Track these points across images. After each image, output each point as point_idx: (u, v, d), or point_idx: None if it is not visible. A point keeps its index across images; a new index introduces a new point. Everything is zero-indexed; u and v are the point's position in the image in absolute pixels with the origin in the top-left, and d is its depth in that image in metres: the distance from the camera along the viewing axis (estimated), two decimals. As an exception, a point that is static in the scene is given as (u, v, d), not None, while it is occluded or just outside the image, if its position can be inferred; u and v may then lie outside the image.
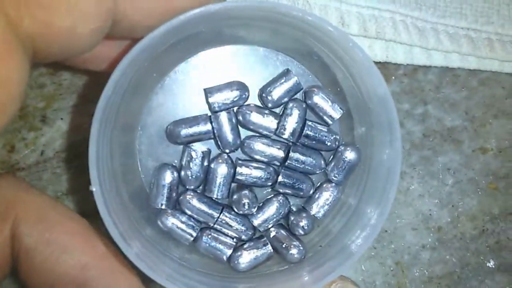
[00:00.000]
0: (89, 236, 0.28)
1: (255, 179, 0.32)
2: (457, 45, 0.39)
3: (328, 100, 0.32)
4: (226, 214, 0.32)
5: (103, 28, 0.26)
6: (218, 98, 0.32)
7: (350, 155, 0.32)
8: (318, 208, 0.33)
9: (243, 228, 0.32)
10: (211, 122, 0.32)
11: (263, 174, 0.32)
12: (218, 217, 0.32)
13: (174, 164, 0.33)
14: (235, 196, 0.32)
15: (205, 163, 0.32)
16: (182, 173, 0.32)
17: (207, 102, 0.33)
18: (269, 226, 0.32)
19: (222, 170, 0.32)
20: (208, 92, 0.32)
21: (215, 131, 0.33)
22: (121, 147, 0.32)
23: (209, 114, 0.33)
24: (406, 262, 0.36)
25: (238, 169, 0.32)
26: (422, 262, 0.36)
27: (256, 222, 0.32)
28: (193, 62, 0.34)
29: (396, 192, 0.35)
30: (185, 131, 0.32)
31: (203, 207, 0.32)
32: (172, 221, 0.31)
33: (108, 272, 0.27)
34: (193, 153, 0.32)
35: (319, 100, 0.32)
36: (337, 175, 0.32)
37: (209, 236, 0.32)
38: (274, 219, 0.32)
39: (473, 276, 0.35)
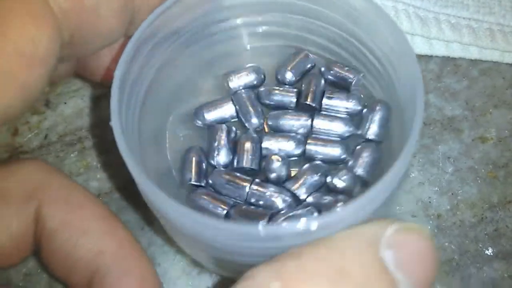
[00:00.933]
0: (109, 222, 0.29)
1: (283, 149, 0.32)
2: (459, 35, 0.39)
3: (344, 68, 0.34)
4: (258, 184, 0.31)
5: (124, 13, 0.29)
6: (236, 82, 0.34)
7: (379, 111, 0.32)
8: (358, 167, 0.31)
9: (277, 195, 0.30)
10: (233, 104, 0.34)
11: (291, 143, 0.32)
12: (250, 187, 0.31)
13: (201, 146, 0.33)
14: (265, 161, 0.31)
15: (231, 139, 0.33)
16: (210, 152, 0.32)
17: (227, 86, 0.34)
18: (308, 193, 0.31)
19: (249, 142, 0.32)
20: (227, 76, 0.34)
21: (238, 112, 0.34)
22: (151, 131, 0.32)
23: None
24: (405, 249, 0.36)
25: (265, 143, 0.32)
26: (421, 249, 0.36)
27: (294, 189, 0.31)
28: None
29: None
30: (208, 114, 0.34)
31: (234, 181, 0.31)
32: (203, 198, 0.31)
33: (122, 259, 0.28)
34: (218, 130, 0.33)
35: (336, 69, 0.34)
36: (372, 133, 0.32)
37: (241, 210, 0.30)
38: (313, 184, 0.31)
39: (472, 263, 0.35)
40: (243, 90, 0.34)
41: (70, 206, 0.28)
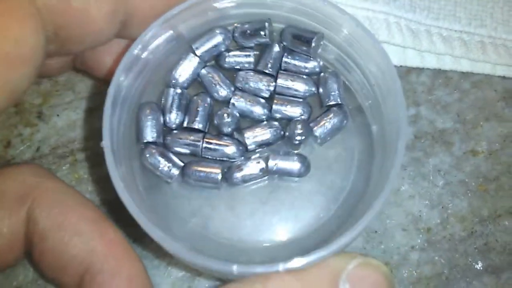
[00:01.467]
0: (100, 223, 0.29)
1: (250, 110, 0.34)
2: (450, 48, 0.39)
3: (302, 30, 0.34)
4: (209, 138, 0.33)
5: (116, 16, 0.30)
6: (203, 49, 0.34)
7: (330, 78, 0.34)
8: (319, 129, 0.33)
9: (229, 147, 0.33)
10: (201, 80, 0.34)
11: (258, 108, 0.34)
12: (203, 141, 0.32)
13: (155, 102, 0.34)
14: (215, 115, 0.33)
15: (184, 100, 0.33)
16: (165, 113, 0.33)
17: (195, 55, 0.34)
18: (260, 147, 0.33)
19: (201, 100, 0.33)
20: (195, 48, 0.34)
21: (206, 87, 0.34)
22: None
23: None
24: (395, 263, 0.36)
25: (233, 100, 0.33)
26: (411, 262, 0.36)
27: (247, 142, 0.33)
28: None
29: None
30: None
31: (187, 138, 0.32)
32: (155, 156, 0.32)
33: (113, 257, 0.28)
34: (171, 91, 0.33)
35: (295, 31, 0.34)
36: (334, 99, 0.34)
37: (196, 165, 0.32)
38: (266, 142, 0.33)
39: (461, 277, 0.36)
40: (205, 69, 0.34)
41: (62, 208, 0.29)
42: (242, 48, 0.35)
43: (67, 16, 0.28)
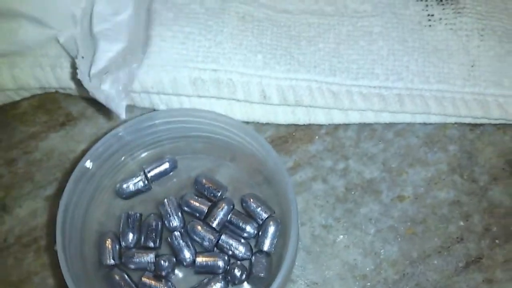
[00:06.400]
0: None
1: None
2: (370, 104, 0.43)
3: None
4: (148, 277, 0.38)
5: None
6: (154, 172, 0.41)
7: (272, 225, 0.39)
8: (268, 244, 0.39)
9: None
10: (144, 180, 0.41)
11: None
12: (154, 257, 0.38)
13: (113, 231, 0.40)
14: (156, 259, 0.38)
15: (138, 222, 0.39)
16: (121, 236, 0.39)
17: (146, 176, 0.41)
18: None
19: (153, 221, 0.39)
20: (145, 169, 0.41)
21: (163, 216, 0.39)
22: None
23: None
24: (336, 310, 0.40)
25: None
26: (350, 308, 0.40)
27: None
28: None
29: (323, 246, 0.40)
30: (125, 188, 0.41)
31: (142, 258, 0.38)
32: (117, 280, 0.38)
33: None
34: (126, 217, 0.39)
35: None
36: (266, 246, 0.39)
37: None
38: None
39: (397, 317, 0.39)
40: (166, 200, 0.39)
41: None
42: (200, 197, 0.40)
43: None
